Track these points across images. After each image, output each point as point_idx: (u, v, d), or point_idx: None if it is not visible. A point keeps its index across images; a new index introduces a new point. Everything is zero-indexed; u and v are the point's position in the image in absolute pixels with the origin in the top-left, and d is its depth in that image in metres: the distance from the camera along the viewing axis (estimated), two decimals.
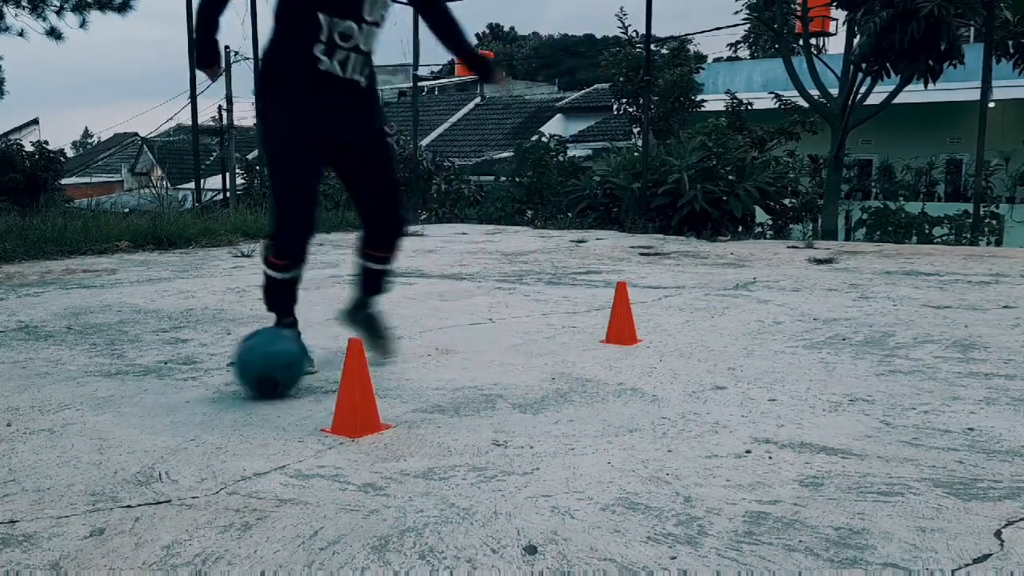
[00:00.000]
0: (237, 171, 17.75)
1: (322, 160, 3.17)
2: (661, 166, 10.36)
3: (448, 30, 3.34)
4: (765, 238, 10.04)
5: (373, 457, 2.38)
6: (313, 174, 3.14)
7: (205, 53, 3.12)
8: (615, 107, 16.11)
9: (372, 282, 3.46)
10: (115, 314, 4.56)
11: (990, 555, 1.76)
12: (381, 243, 3.39)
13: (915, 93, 11.29)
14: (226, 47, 21.37)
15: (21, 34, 11.96)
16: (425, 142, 22.07)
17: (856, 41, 11.05)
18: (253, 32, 12.41)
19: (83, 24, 12.00)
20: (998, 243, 11.29)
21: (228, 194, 17.23)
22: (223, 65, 3.29)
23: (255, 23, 12.06)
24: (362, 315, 3.49)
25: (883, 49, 9.91)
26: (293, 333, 3.20)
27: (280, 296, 3.24)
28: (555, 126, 23.67)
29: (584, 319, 4.38)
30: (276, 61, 3.04)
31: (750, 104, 14.77)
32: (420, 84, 18.06)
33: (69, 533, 1.91)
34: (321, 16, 2.92)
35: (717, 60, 24.99)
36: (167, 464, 2.33)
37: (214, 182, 20.43)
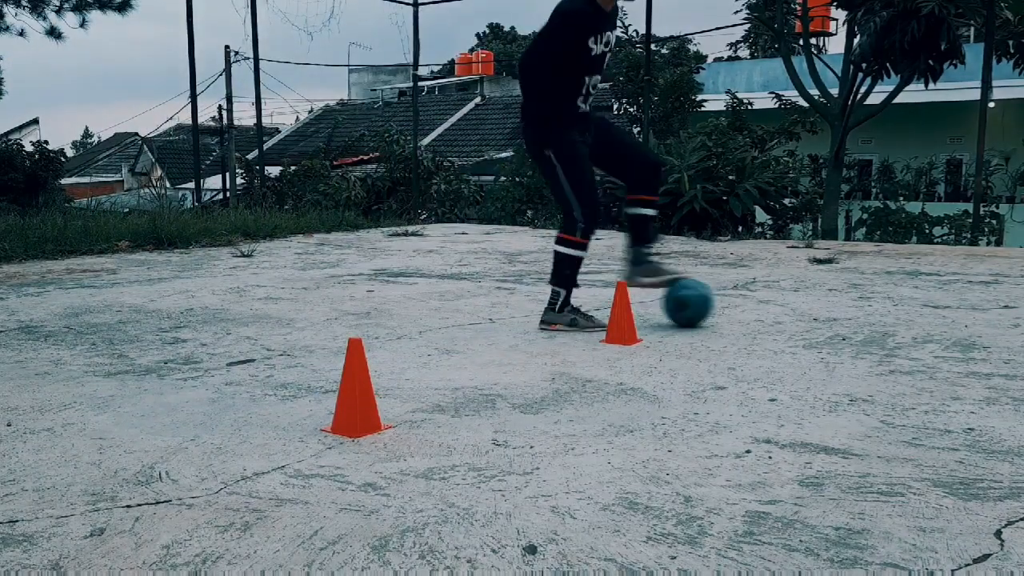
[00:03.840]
0: (237, 171, 17.75)
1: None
2: None
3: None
4: (765, 238, 10.04)
5: (373, 457, 2.38)
6: (588, 160, 4.11)
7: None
8: (615, 107, 16.11)
9: (642, 227, 4.23)
10: (115, 314, 4.56)
11: (990, 555, 1.76)
12: (645, 187, 4.19)
13: (915, 93, 11.30)
14: (226, 47, 21.39)
15: (21, 34, 11.95)
16: (425, 142, 22.06)
17: (856, 41, 11.05)
18: (253, 32, 12.41)
19: (83, 24, 11.99)
20: (998, 243, 11.29)
21: (228, 194, 17.24)
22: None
23: (255, 23, 12.06)
24: (642, 255, 4.28)
25: (883, 49, 9.92)
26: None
27: (576, 271, 4.12)
28: None
29: None
30: (555, 113, 4.04)
31: (750, 104, 14.78)
32: (420, 84, 18.05)
33: (69, 533, 1.91)
34: (586, 78, 4.02)
35: (717, 60, 24.99)
36: (167, 464, 2.33)
37: (214, 182, 20.44)
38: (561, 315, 4.11)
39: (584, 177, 4.04)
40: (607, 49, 4.08)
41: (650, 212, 4.23)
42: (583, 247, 4.06)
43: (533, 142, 4.11)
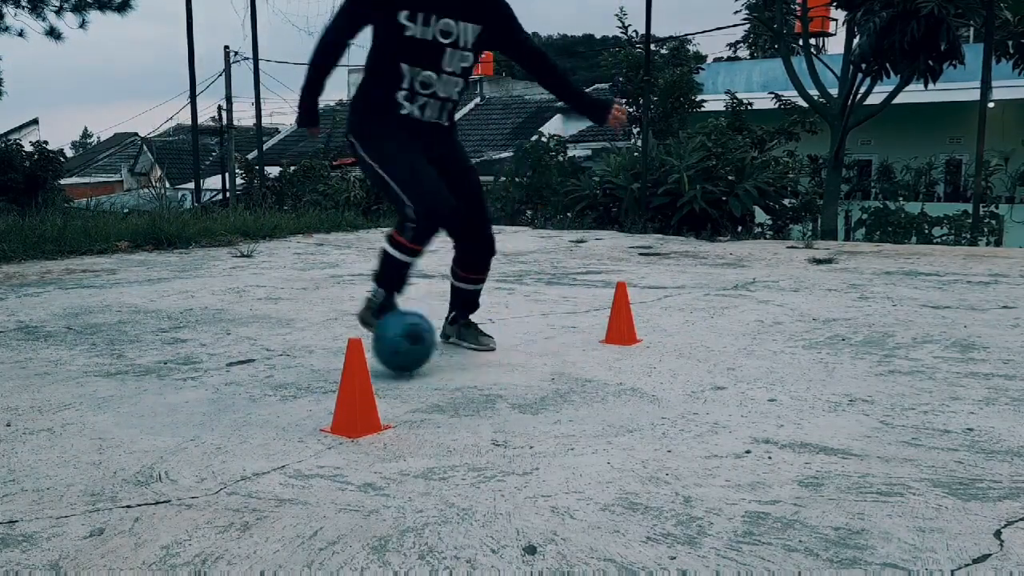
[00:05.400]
0: (236, 171, 17.75)
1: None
2: (661, 166, 10.36)
3: (552, 77, 3.60)
4: (765, 238, 10.04)
5: (373, 457, 2.38)
6: (422, 159, 3.36)
7: (310, 115, 3.52)
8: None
9: (467, 300, 3.81)
10: (115, 314, 4.56)
11: (990, 555, 1.76)
12: (476, 266, 3.71)
13: (915, 93, 11.30)
14: (226, 47, 21.39)
15: (21, 34, 11.95)
16: None
17: (856, 41, 11.05)
18: (253, 32, 12.42)
19: (83, 24, 11.99)
20: (998, 243, 11.30)
21: (227, 194, 17.24)
22: (319, 125, 3.62)
23: (255, 23, 12.06)
24: (456, 326, 3.83)
25: (883, 49, 9.92)
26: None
27: (404, 276, 3.48)
28: (555, 126, 23.65)
29: (584, 319, 4.38)
30: (365, 103, 3.40)
31: (750, 104, 14.78)
32: None
33: (68, 533, 1.91)
34: (404, 67, 3.28)
35: (717, 60, 25.00)
36: (167, 464, 2.33)
37: (213, 182, 20.43)
38: (377, 318, 3.43)
39: (415, 173, 3.31)
40: (448, 42, 3.30)
41: (478, 288, 3.79)
42: (413, 253, 3.34)
43: (345, 130, 3.47)
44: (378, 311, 3.39)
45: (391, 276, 3.41)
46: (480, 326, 3.86)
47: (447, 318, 3.87)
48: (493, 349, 3.69)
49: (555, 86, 3.65)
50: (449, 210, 3.32)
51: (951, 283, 5.46)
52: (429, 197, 3.27)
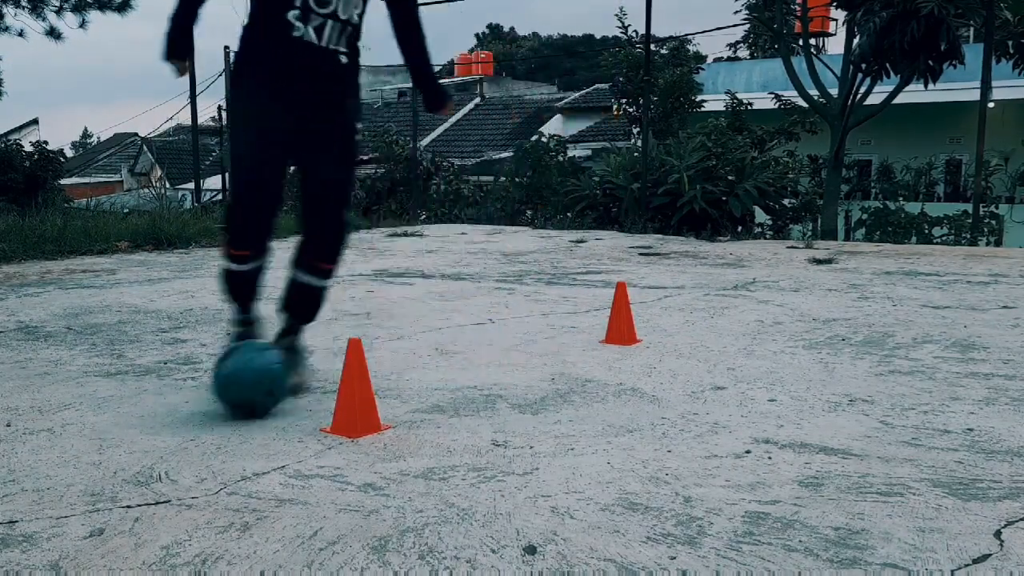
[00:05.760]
0: None
1: (283, 150, 2.91)
2: (661, 166, 10.36)
3: (409, 34, 3.11)
4: (765, 238, 10.04)
5: (373, 457, 2.38)
6: (275, 162, 2.89)
7: (179, 44, 2.85)
8: (615, 107, 16.11)
9: (307, 301, 3.11)
10: (115, 314, 4.56)
11: (990, 555, 1.76)
12: (322, 249, 3.06)
13: (915, 93, 11.28)
14: (226, 47, 21.36)
15: (21, 34, 11.96)
16: (425, 142, 22.09)
17: (856, 41, 11.05)
18: None
19: (83, 24, 12.00)
20: (998, 243, 11.30)
21: (227, 194, 17.23)
22: (192, 61, 3.03)
23: None
24: (287, 343, 3.07)
25: (883, 49, 9.91)
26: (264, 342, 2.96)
27: (241, 289, 2.99)
28: (555, 126, 23.68)
29: (584, 319, 4.38)
30: (250, 32, 2.85)
31: (750, 104, 14.78)
32: None
33: (68, 533, 1.91)
34: None
35: (717, 60, 24.99)
36: (167, 464, 2.33)
37: (213, 182, 20.42)
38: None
39: (253, 155, 2.83)
40: None
41: (322, 283, 3.11)
42: (237, 259, 2.91)
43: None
44: (237, 328, 3.03)
45: (227, 287, 3.01)
46: (480, 326, 3.84)
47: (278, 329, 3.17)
48: (302, 392, 2.98)
49: (410, 53, 3.13)
50: (261, 212, 2.88)
51: (951, 283, 5.46)
52: (243, 186, 2.84)
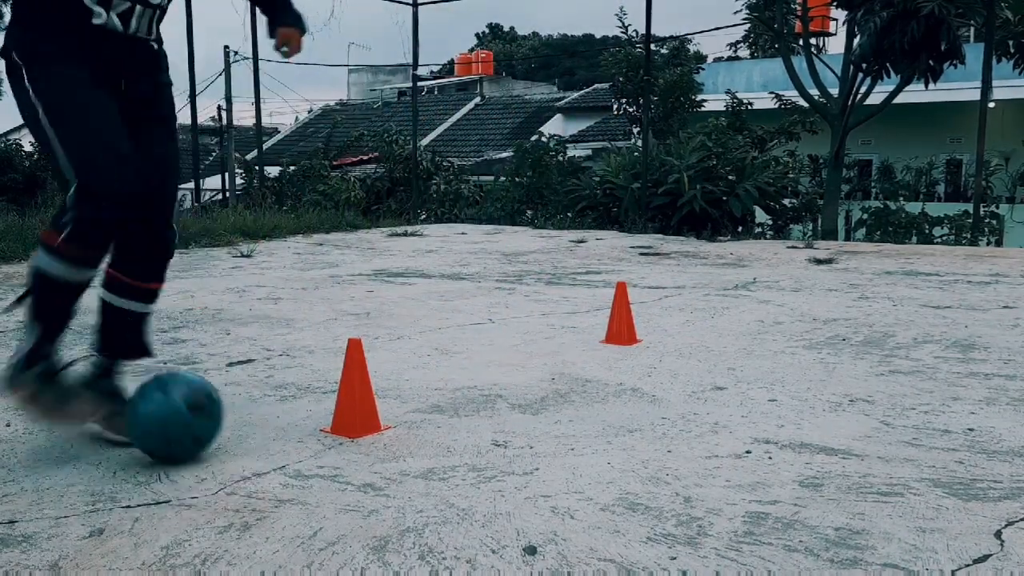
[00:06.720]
0: (236, 171, 17.75)
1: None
2: (661, 166, 10.36)
3: None
4: (765, 238, 10.04)
5: (372, 457, 2.38)
6: (110, 111, 2.26)
7: None
8: (615, 107, 16.11)
9: (127, 330, 2.44)
10: None
11: (990, 555, 1.76)
12: (142, 264, 2.41)
13: (915, 93, 11.28)
14: (226, 47, 21.38)
15: None
16: (424, 142, 22.07)
17: (856, 41, 11.04)
18: (252, 32, 12.41)
19: None
20: (998, 243, 11.30)
21: (227, 194, 17.24)
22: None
23: (254, 23, 12.05)
24: (106, 385, 2.47)
25: (883, 49, 9.91)
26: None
27: (65, 303, 2.34)
28: (555, 126, 23.67)
29: (584, 319, 4.38)
30: (33, 6, 2.24)
31: (750, 104, 14.76)
32: (420, 84, 18.05)
33: (68, 533, 1.90)
34: None
35: (717, 60, 24.98)
36: (167, 464, 2.32)
37: (213, 182, 20.42)
38: (26, 374, 2.31)
39: (97, 132, 2.21)
40: None
41: (143, 309, 2.46)
42: (76, 262, 2.23)
43: (7, 46, 2.27)
44: (25, 361, 2.31)
45: (44, 302, 2.32)
46: (480, 326, 3.84)
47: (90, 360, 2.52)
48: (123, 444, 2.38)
49: None
50: (133, 198, 2.22)
51: (951, 283, 5.46)
52: (107, 172, 2.19)
